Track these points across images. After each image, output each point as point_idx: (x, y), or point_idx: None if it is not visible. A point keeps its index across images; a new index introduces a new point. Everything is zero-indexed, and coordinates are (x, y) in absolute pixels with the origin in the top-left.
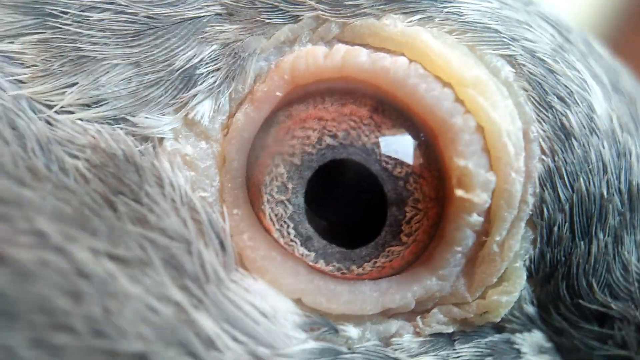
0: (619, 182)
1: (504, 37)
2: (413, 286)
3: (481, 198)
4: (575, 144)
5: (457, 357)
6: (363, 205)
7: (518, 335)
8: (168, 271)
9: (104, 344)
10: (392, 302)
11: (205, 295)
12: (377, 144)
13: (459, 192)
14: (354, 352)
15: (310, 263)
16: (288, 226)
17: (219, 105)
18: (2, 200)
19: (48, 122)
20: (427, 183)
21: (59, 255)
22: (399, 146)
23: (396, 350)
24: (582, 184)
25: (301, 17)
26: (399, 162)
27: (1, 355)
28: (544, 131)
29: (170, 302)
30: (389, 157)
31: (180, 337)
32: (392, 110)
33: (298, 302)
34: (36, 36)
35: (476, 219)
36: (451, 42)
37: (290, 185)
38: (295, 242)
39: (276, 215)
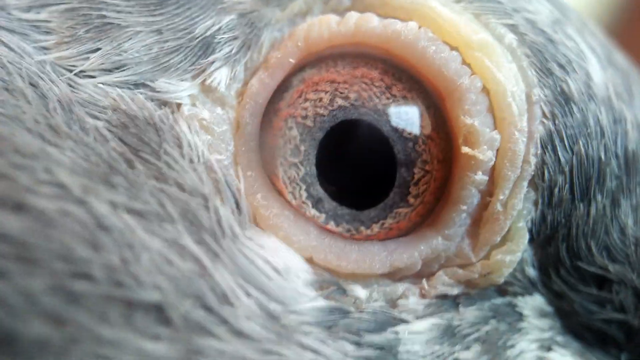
0: (616, 147)
1: (506, 8)
2: (420, 246)
3: (486, 155)
4: (575, 108)
5: (461, 319)
6: (372, 167)
7: (520, 298)
8: (185, 225)
9: (122, 292)
10: (399, 262)
11: (221, 249)
12: (388, 105)
13: (466, 149)
14: (361, 312)
15: (321, 224)
16: (300, 188)
17: (235, 72)
18: (23, 153)
19: (70, 85)
20: (435, 145)
21: (79, 206)
22: (409, 108)
23: (402, 311)
24: (582, 147)
25: None
26: (409, 123)
27: (22, 301)
28: (545, 96)
29: (187, 254)
30: (399, 118)
31: (196, 290)
32: (402, 73)
33: (309, 260)
34: (62, 6)
35: (481, 177)
36: (458, 10)
37: (302, 148)
38: (307, 204)
39: (289, 177)
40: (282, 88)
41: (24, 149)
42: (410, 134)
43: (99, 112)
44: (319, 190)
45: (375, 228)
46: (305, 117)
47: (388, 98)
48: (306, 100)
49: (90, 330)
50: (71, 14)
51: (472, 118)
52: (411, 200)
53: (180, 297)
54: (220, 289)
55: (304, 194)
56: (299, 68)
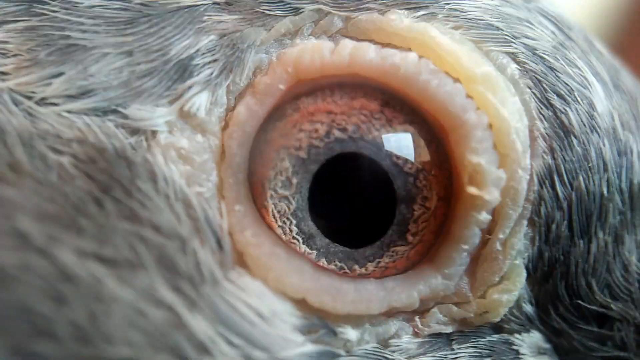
0: (620, 181)
1: (505, 35)
2: (419, 285)
3: (493, 195)
4: (575, 141)
5: (455, 357)
6: (368, 203)
7: (517, 335)
8: (160, 272)
9: (90, 351)
10: (397, 301)
11: (200, 296)
12: (388, 139)
13: (472, 190)
14: (352, 355)
15: (313, 260)
16: (291, 223)
17: (216, 97)
18: None
19: (31, 114)
20: (436, 181)
21: (41, 258)
22: (410, 142)
23: (394, 351)
24: (582, 182)
25: (302, 10)
26: (409, 158)
27: None
28: (544, 129)
29: (162, 304)
30: (400, 151)
31: (172, 343)
32: (403, 105)
33: (301, 302)
34: (21, 24)
35: (485, 217)
36: (458, 39)
37: (294, 180)
38: (298, 240)
39: (279, 211)
40: (275, 117)
41: None
42: (411, 168)
43: (63, 146)
44: (310, 226)
45: (371, 267)
46: (298, 149)
47: (388, 131)
48: (301, 130)
49: None
50: (31, 33)
51: (478, 156)
52: (410, 238)
53: (154, 351)
54: (198, 339)
55: (295, 230)
56: (293, 95)
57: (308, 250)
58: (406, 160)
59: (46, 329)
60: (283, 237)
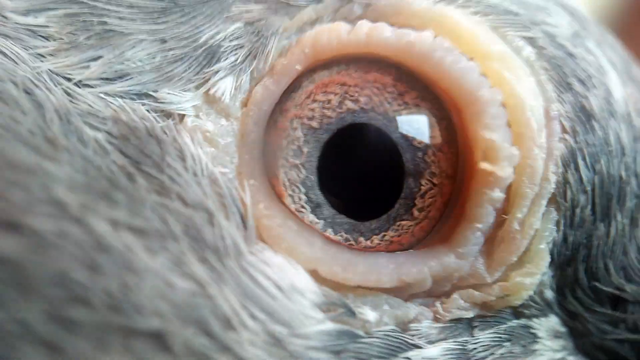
0: (635, 165)
1: (524, 20)
2: (430, 262)
3: (506, 172)
4: (596, 125)
5: (476, 342)
6: (376, 177)
7: (535, 320)
8: (188, 243)
9: (121, 320)
10: (408, 276)
11: (225, 268)
12: (399, 112)
13: (484, 165)
14: (371, 337)
15: (319, 230)
16: (300, 191)
17: (240, 82)
18: (18, 168)
19: (68, 94)
20: (445, 158)
21: (77, 226)
22: (421, 117)
23: (414, 336)
24: (603, 166)
25: None
26: (419, 132)
27: (15, 329)
28: (566, 111)
29: (189, 276)
30: (410, 125)
31: (198, 315)
32: (416, 82)
33: (314, 274)
34: (62, 11)
35: (498, 195)
36: (476, 21)
37: (305, 149)
38: (305, 209)
39: (289, 179)
40: (291, 88)
41: (19, 164)
42: (420, 143)
43: (99, 124)
44: (318, 195)
45: (376, 240)
46: (311, 118)
47: (400, 105)
48: (314, 101)
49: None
50: (71, 19)
51: (492, 132)
52: (416, 213)
53: (182, 323)
54: (223, 313)
55: (303, 198)
56: (310, 69)
57: (315, 219)
58: (416, 135)
59: (81, 295)
60: (292, 205)
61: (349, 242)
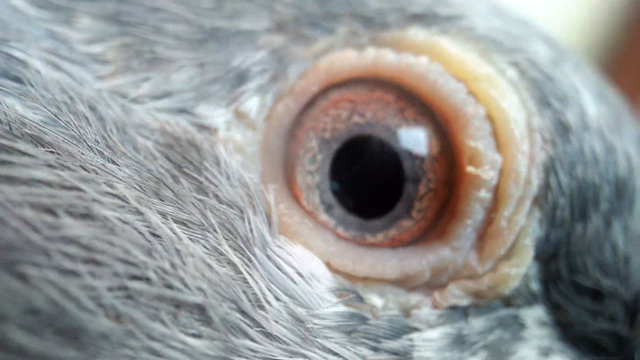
0: (608, 174)
1: (509, 48)
2: (428, 255)
3: (489, 175)
4: (572, 138)
5: (470, 328)
6: (379, 182)
7: (522, 310)
8: (224, 233)
9: (172, 293)
10: (409, 268)
11: (254, 256)
12: (400, 125)
13: (470, 169)
14: (378, 319)
15: (332, 228)
16: (314, 194)
17: (265, 101)
18: (88, 168)
19: (124, 110)
20: (440, 166)
21: (136, 216)
22: (419, 130)
23: (415, 321)
24: (579, 173)
25: (336, 31)
26: (417, 143)
27: (89, 298)
28: (546, 125)
29: (225, 260)
30: (409, 137)
31: (233, 294)
32: (415, 100)
33: (327, 264)
34: (119, 41)
35: (484, 194)
36: (465, 49)
37: (319, 157)
38: (319, 209)
39: (306, 183)
40: (308, 105)
41: (89, 165)
42: (418, 153)
43: (149, 134)
44: (330, 197)
45: (380, 237)
46: (324, 130)
47: (400, 119)
48: (327, 115)
49: (145, 326)
50: (126, 48)
51: (475, 141)
52: (414, 214)
53: (220, 300)
54: (253, 293)
55: (317, 200)
56: (325, 89)
57: (327, 218)
58: (415, 146)
59: (141, 272)
60: (307, 207)
61: (356, 239)
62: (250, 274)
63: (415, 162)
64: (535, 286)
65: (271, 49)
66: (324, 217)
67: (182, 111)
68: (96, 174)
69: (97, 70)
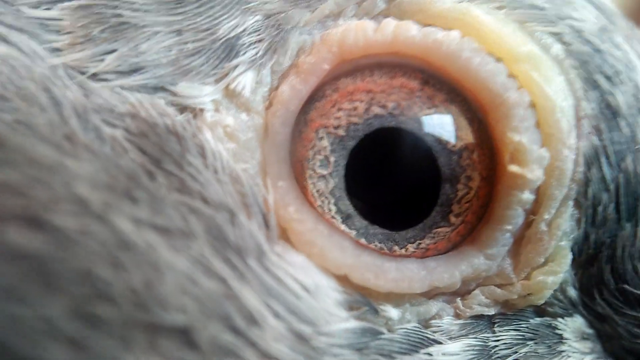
0: None
1: (550, 15)
2: (461, 265)
3: (535, 174)
4: (622, 123)
5: (497, 340)
6: (406, 183)
7: (560, 320)
8: (210, 242)
9: (146, 316)
10: (439, 281)
11: (248, 268)
12: (431, 115)
13: (513, 168)
14: (393, 333)
15: (354, 238)
16: (329, 202)
17: (261, 77)
18: (40, 165)
19: (84, 89)
20: (479, 160)
21: (100, 224)
22: (451, 120)
23: (435, 332)
24: (629, 164)
25: None
26: (452, 136)
27: (41, 325)
28: (592, 109)
29: (213, 273)
30: (442, 129)
31: (223, 311)
32: (442, 84)
33: (343, 278)
34: (75, 2)
35: (528, 196)
36: (501, 18)
37: (332, 159)
38: (337, 219)
39: (318, 190)
40: (314, 97)
41: (40, 161)
42: (454, 146)
43: (116, 120)
44: (347, 206)
45: (411, 248)
46: (337, 127)
47: (429, 108)
48: (340, 110)
49: (113, 356)
50: (85, 11)
51: (520, 135)
52: (453, 219)
53: (207, 319)
54: (247, 310)
55: (333, 208)
56: (333, 76)
57: (347, 229)
58: (449, 138)
59: (105, 292)
60: (323, 215)
61: (382, 251)
62: (242, 289)
63: (452, 158)
64: (573, 293)
65: (266, 13)
66: (343, 227)
67: (157, 89)
68: (50, 172)
69: (51, 40)
